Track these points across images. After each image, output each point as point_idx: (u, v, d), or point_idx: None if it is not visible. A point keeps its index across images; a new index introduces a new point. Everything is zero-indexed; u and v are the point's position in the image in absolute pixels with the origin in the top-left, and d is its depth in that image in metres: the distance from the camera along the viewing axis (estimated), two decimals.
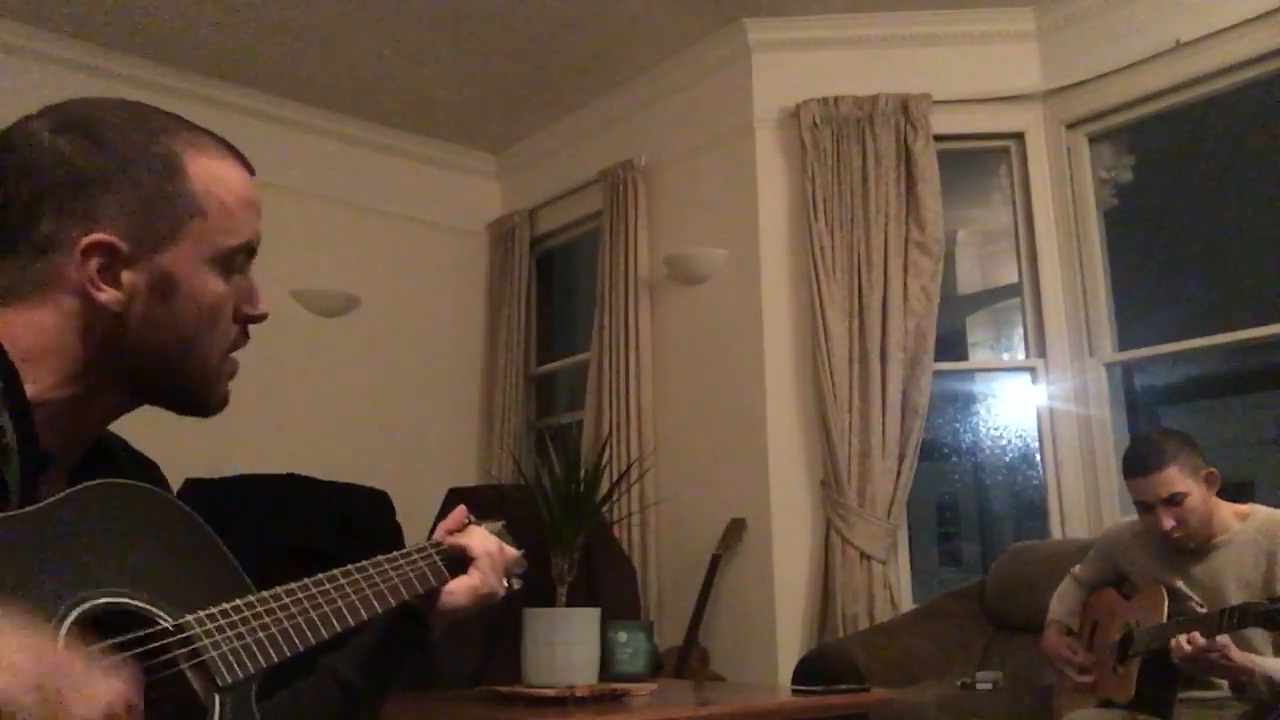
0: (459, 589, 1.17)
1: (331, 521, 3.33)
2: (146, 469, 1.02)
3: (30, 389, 0.85)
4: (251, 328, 1.00)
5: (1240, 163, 4.09)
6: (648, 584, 4.08)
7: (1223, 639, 2.14)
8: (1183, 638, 2.18)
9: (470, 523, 1.25)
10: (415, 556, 1.14)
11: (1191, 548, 2.43)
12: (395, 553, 1.11)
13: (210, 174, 0.94)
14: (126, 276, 0.88)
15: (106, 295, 0.87)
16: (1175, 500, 2.36)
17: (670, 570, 4.12)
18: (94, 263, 0.87)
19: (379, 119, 4.91)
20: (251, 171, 0.99)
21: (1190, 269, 4.54)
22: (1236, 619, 2.14)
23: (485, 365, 5.19)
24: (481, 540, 1.21)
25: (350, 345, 4.67)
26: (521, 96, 4.74)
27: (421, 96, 4.72)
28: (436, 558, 1.17)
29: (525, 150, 5.23)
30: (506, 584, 1.24)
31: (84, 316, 0.88)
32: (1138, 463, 2.41)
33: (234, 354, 0.99)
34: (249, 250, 0.97)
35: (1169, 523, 2.37)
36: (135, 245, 0.88)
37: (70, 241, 0.87)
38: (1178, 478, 2.35)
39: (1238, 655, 2.16)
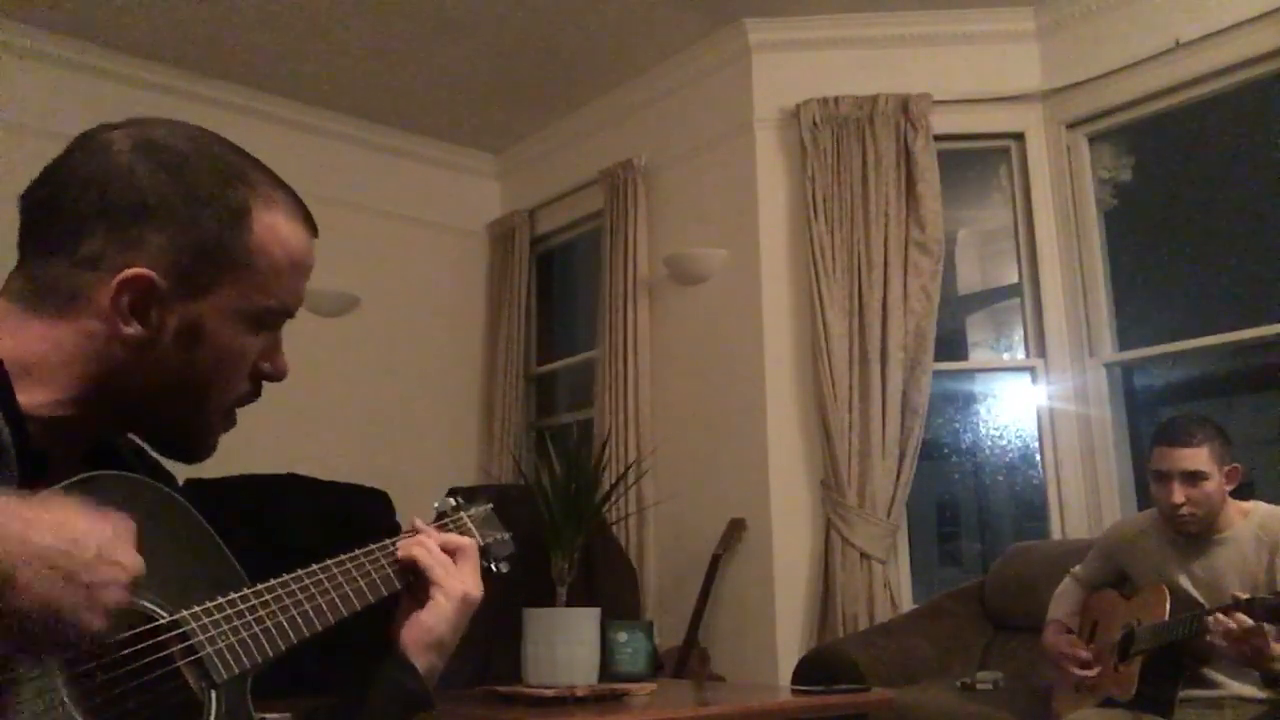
0: (425, 618, 1.06)
1: (331, 521, 3.33)
2: (155, 472, 1.01)
3: (22, 400, 0.84)
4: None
5: (1240, 163, 4.09)
6: (648, 584, 4.08)
7: (1268, 628, 2.13)
8: (1222, 617, 2.16)
9: (456, 506, 1.22)
10: (377, 554, 1.09)
11: (1193, 531, 2.44)
12: (386, 541, 1.10)
13: (272, 231, 0.93)
14: (156, 314, 0.87)
15: (132, 329, 0.87)
16: (1195, 479, 2.38)
17: (670, 570, 4.12)
18: (128, 296, 0.86)
19: (379, 119, 4.91)
20: (315, 233, 0.99)
21: (1190, 269, 4.53)
22: (1243, 613, 2.14)
23: (485, 365, 5.19)
24: (429, 548, 1.09)
25: (350, 345, 4.67)
26: (521, 96, 4.75)
27: (421, 96, 4.72)
28: (388, 566, 1.07)
29: (525, 150, 5.23)
30: (494, 569, 1.21)
31: (103, 343, 0.87)
32: (1173, 434, 2.44)
33: (237, 409, 0.98)
34: (285, 312, 0.97)
35: (1180, 497, 2.39)
36: (174, 285, 0.87)
37: (112, 266, 0.86)
38: (1205, 459, 2.38)
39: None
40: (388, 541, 1.10)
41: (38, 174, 0.90)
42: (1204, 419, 2.48)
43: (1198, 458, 2.38)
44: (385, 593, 1.05)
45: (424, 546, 1.09)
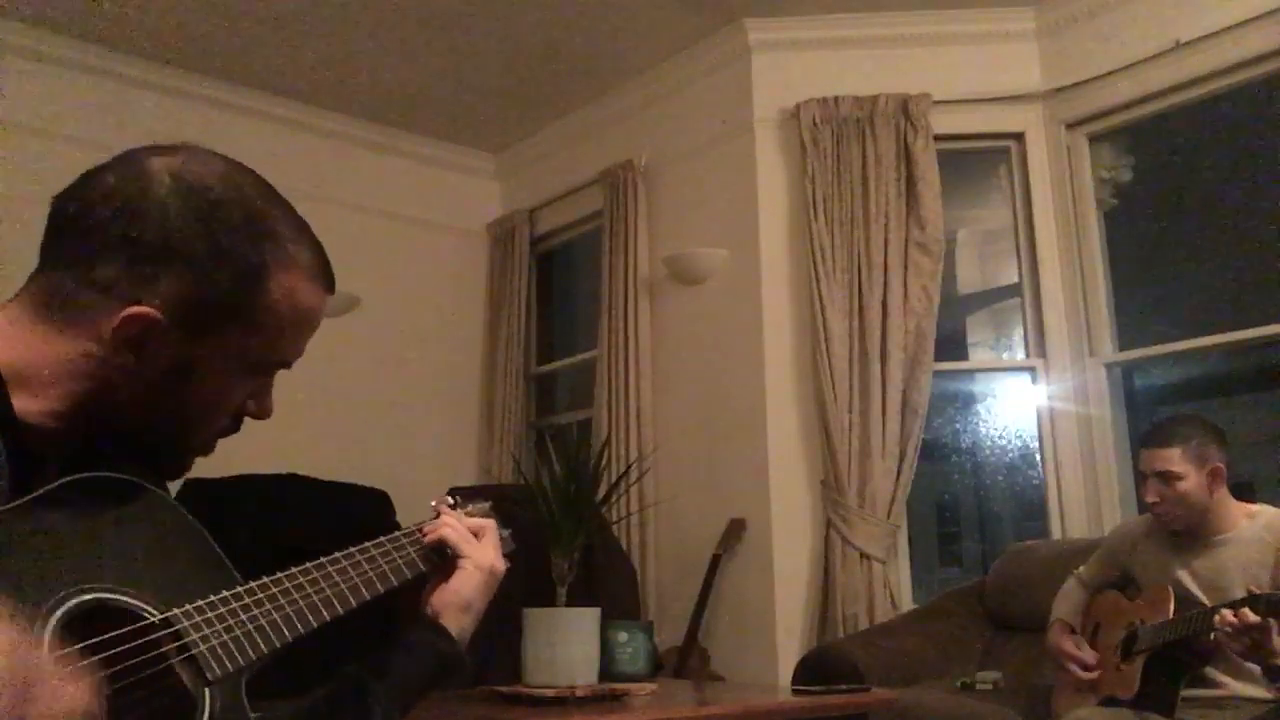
0: (455, 584, 1.12)
1: (331, 521, 3.33)
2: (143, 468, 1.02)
3: (17, 405, 0.85)
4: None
5: (1240, 163, 4.09)
6: (648, 584, 4.08)
7: (1270, 622, 2.13)
8: (1227, 612, 2.16)
9: (454, 505, 1.23)
10: (403, 541, 1.12)
11: (1177, 529, 2.48)
12: (382, 538, 1.11)
13: (286, 291, 0.94)
14: (153, 348, 0.89)
15: (123, 360, 0.88)
16: (1167, 479, 2.43)
17: (670, 570, 4.12)
18: (130, 330, 0.87)
19: (379, 119, 4.91)
20: (331, 290, 1.01)
21: (1190, 269, 4.53)
22: (1249, 610, 2.14)
23: (485, 365, 5.19)
24: (456, 526, 1.16)
25: (350, 345, 4.67)
26: (521, 96, 4.74)
27: (421, 96, 4.72)
28: (411, 549, 1.12)
29: (525, 150, 5.23)
30: None
31: (97, 365, 0.89)
32: (1148, 435, 2.53)
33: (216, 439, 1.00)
34: (283, 364, 0.99)
35: (1152, 496, 2.46)
36: (177, 325, 0.89)
37: (121, 296, 0.87)
38: (1176, 459, 2.42)
39: None
40: (398, 533, 1.13)
41: (72, 181, 0.91)
42: (1187, 419, 2.52)
43: (1169, 458, 2.42)
44: (381, 590, 1.07)
45: (450, 526, 1.16)
